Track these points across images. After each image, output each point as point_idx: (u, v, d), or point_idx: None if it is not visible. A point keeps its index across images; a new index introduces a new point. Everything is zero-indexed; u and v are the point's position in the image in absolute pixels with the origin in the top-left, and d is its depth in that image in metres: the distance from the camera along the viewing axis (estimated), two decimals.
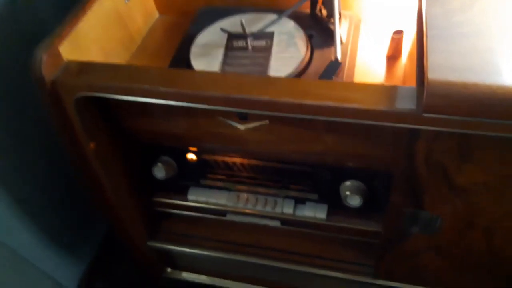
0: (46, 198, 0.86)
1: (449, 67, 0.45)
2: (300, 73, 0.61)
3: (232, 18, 0.69)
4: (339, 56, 0.58)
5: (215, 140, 0.63)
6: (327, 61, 0.61)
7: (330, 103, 0.47)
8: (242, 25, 0.63)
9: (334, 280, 0.75)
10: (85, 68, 0.54)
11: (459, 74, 0.45)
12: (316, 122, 0.54)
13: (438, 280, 0.70)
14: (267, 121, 0.56)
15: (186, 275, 0.87)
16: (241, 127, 0.57)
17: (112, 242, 0.98)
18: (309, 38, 0.65)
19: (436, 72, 0.45)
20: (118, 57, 0.66)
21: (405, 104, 0.46)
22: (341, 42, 0.61)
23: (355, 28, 0.68)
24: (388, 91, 0.48)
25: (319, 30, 0.66)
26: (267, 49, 0.63)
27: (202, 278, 0.86)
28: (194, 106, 0.51)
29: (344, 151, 0.59)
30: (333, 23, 0.61)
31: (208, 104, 0.50)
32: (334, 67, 0.56)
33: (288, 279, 0.82)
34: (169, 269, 0.87)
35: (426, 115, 0.45)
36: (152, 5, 0.76)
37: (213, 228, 0.78)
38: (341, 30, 0.63)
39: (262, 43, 0.64)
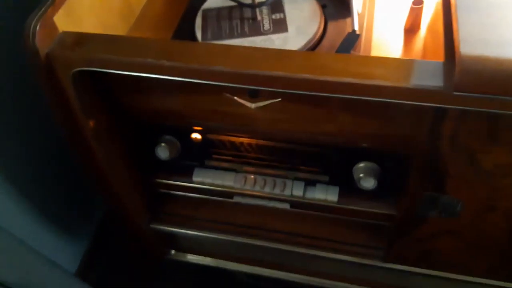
0: (40, 177, 0.82)
1: (482, 41, 0.41)
2: (313, 47, 0.57)
3: None
4: (356, 27, 0.53)
5: (221, 118, 0.59)
6: (342, 33, 0.57)
7: (350, 80, 0.43)
8: None
9: (343, 263, 0.72)
10: (82, 39, 0.50)
11: (493, 48, 0.41)
12: (331, 100, 0.50)
13: (450, 263, 0.68)
14: (279, 99, 0.52)
15: (191, 257, 0.84)
16: (251, 105, 0.54)
17: (112, 221, 0.95)
18: (322, 8, 0.60)
19: (468, 46, 0.41)
20: (116, 29, 0.62)
21: (432, 81, 0.42)
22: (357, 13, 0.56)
23: None
24: (413, 66, 0.44)
25: None
26: (278, 20, 0.59)
27: (207, 260, 0.84)
28: (201, 82, 0.47)
29: (360, 131, 0.55)
30: None
31: (216, 80, 0.46)
32: (352, 40, 0.52)
33: (295, 261, 0.80)
34: (173, 251, 0.85)
35: (456, 93, 0.41)
36: None
37: (218, 210, 0.75)
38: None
39: (273, 13, 0.60)
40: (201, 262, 0.85)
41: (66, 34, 0.51)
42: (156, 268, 0.95)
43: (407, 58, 0.58)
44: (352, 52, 0.52)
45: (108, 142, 0.62)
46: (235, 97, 0.53)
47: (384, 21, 0.64)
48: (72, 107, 0.54)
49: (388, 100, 0.43)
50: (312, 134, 0.58)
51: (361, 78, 0.43)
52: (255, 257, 0.81)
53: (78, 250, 0.94)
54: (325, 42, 0.57)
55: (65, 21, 0.52)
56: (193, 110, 0.59)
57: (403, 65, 0.44)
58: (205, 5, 0.62)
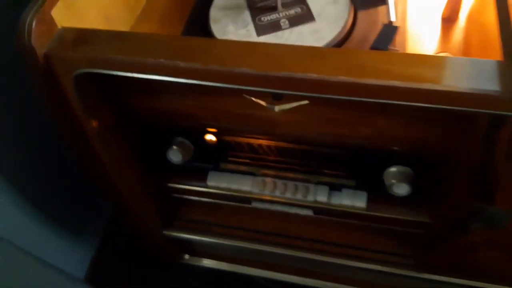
0: (44, 181, 0.77)
1: None
2: (342, 40, 0.51)
3: None
4: (393, 18, 0.47)
5: (240, 121, 0.53)
6: (374, 24, 0.51)
7: (396, 83, 0.37)
8: None
9: (370, 272, 0.67)
10: (84, 37, 0.44)
11: None
12: (369, 103, 0.44)
13: (488, 273, 0.63)
14: (307, 101, 0.46)
15: (206, 262, 0.79)
16: (274, 108, 0.48)
17: (121, 225, 0.90)
18: None
19: None
20: (121, 22, 0.56)
21: (489, 84, 0.36)
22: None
23: None
24: (467, 66, 0.38)
25: None
26: (301, 10, 0.53)
27: (223, 265, 0.79)
28: (222, 86, 0.41)
29: (399, 135, 0.49)
30: None
31: (239, 83, 0.41)
32: (389, 33, 0.46)
33: (319, 268, 0.75)
34: (186, 256, 0.80)
35: None
36: None
37: (235, 215, 0.70)
38: None
39: (294, 2, 0.53)
40: (216, 267, 0.80)
41: (66, 30, 0.45)
42: (169, 272, 0.91)
43: (448, 52, 0.52)
44: (389, 48, 0.46)
45: (115, 146, 0.57)
46: (257, 100, 0.47)
47: (418, 8, 0.57)
48: (75, 111, 0.48)
49: (442, 107, 0.37)
50: (341, 137, 0.52)
51: (408, 81, 0.37)
52: (274, 262, 0.77)
53: (86, 254, 0.89)
54: (355, 35, 0.51)
55: (64, 15, 0.46)
56: (208, 112, 0.53)
57: (456, 65, 0.38)
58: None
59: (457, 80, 0.37)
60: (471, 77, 0.37)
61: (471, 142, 0.43)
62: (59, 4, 0.45)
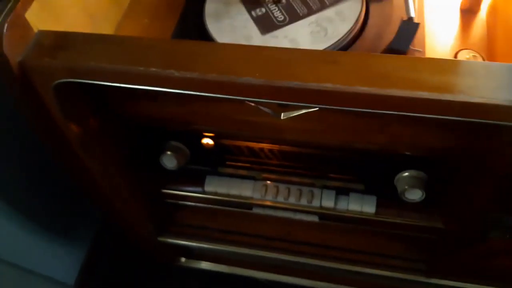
0: (30, 184, 0.72)
1: None
2: (354, 38, 0.46)
3: None
4: (413, 14, 0.42)
5: (241, 128, 0.48)
6: (389, 19, 0.46)
7: (425, 94, 0.33)
8: None
9: (379, 277, 0.64)
10: (64, 41, 0.39)
11: None
12: None
13: (504, 278, 0.60)
14: (316, 108, 0.42)
15: (204, 265, 0.76)
16: (281, 116, 0.43)
17: (112, 231, 0.86)
18: None
19: None
20: (106, 19, 0.50)
21: None
22: None
23: None
24: (504, 73, 0.33)
25: None
26: (307, 3, 0.47)
27: (222, 268, 0.75)
28: (223, 97, 0.36)
29: (413, 141, 0.45)
30: None
31: (243, 94, 0.36)
32: (409, 32, 0.41)
33: (324, 271, 0.71)
34: (183, 259, 0.76)
35: None
36: None
37: (235, 219, 0.66)
38: None
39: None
40: (214, 269, 0.76)
41: (44, 34, 0.39)
42: (165, 273, 0.87)
43: (470, 49, 0.47)
44: (410, 48, 0.41)
45: (103, 154, 0.52)
46: (260, 107, 0.43)
47: None
48: (57, 121, 0.43)
49: (474, 120, 0.33)
50: (352, 143, 0.48)
51: (438, 92, 0.33)
52: (276, 265, 0.73)
53: (77, 258, 0.85)
54: (368, 31, 0.46)
55: (41, 16, 0.40)
56: (206, 118, 0.48)
57: (492, 72, 0.33)
58: None
59: (494, 90, 0.32)
60: (508, 86, 0.32)
61: (498, 150, 0.39)
62: (34, 4, 0.39)
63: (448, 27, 0.49)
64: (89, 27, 0.47)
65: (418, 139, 0.44)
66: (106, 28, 0.50)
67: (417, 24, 0.41)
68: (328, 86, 0.34)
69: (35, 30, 0.39)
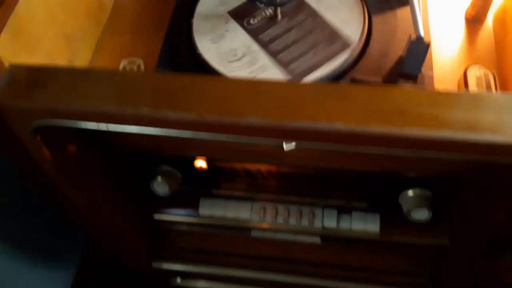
0: (12, 207, 0.68)
1: None
2: (359, 56, 0.42)
3: None
4: (422, 33, 0.39)
5: (239, 155, 0.45)
6: (393, 33, 0.43)
7: (447, 134, 0.30)
8: None
9: None
10: (41, 77, 0.34)
11: None
12: None
13: None
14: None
15: (199, 284, 0.72)
16: (283, 146, 0.40)
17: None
18: None
19: None
20: (85, 38, 0.46)
21: None
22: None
23: None
24: None
25: None
26: (306, 20, 0.44)
27: (220, 286, 0.72)
28: (225, 140, 0.32)
29: (422, 166, 0.42)
30: None
31: (247, 136, 0.32)
32: (420, 53, 0.37)
33: None
34: (179, 279, 0.73)
35: None
36: None
37: (232, 241, 0.62)
38: None
39: (296, 10, 0.44)
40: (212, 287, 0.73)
41: (17, 69, 0.35)
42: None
43: (480, 64, 0.45)
44: (423, 71, 0.38)
45: (89, 187, 0.48)
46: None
47: (437, 5, 0.49)
48: (40, 164, 0.39)
49: (500, 162, 0.30)
50: (357, 167, 0.45)
51: (461, 130, 0.30)
52: (276, 283, 0.70)
53: (65, 281, 0.81)
54: (372, 47, 0.42)
55: (12, 47, 0.36)
56: (201, 146, 0.44)
57: None
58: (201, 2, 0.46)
59: None
60: None
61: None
62: (3, 35, 0.34)
63: (454, 39, 0.47)
64: (67, 51, 0.43)
65: (426, 164, 0.42)
66: (85, 49, 0.46)
67: (427, 45, 0.37)
68: (341, 126, 0.31)
69: (6, 64, 0.35)
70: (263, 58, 0.42)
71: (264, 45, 0.43)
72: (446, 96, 0.32)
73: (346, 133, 0.31)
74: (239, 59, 0.42)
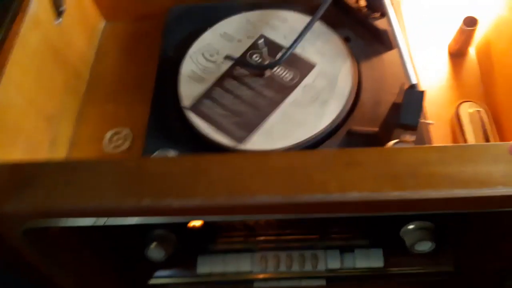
0: None
1: None
2: (352, 106, 0.41)
3: (225, 21, 0.47)
4: (415, 80, 0.38)
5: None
6: (381, 80, 0.42)
7: (460, 192, 0.29)
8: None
9: None
10: (27, 175, 0.32)
11: None
12: None
13: None
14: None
15: None
16: None
17: None
18: (346, 41, 0.45)
19: None
20: (65, 114, 0.43)
21: None
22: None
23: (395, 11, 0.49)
24: None
25: (355, 28, 0.46)
26: (293, 75, 0.43)
27: None
28: (234, 220, 0.31)
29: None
30: (389, 22, 0.41)
31: (257, 214, 0.31)
32: (416, 102, 0.37)
33: None
34: None
35: None
36: (94, 12, 0.51)
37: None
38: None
39: (282, 69, 0.43)
40: None
41: None
42: None
43: (472, 101, 0.44)
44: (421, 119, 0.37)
45: (80, 269, 0.45)
46: None
47: (419, 40, 0.49)
48: (31, 261, 0.36)
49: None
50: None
51: (474, 187, 0.29)
52: None
53: None
54: (364, 96, 0.42)
55: None
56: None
57: None
58: (186, 61, 0.44)
59: None
60: None
61: None
62: None
63: (440, 76, 0.47)
64: (48, 131, 0.41)
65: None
66: (66, 124, 0.44)
67: (422, 92, 0.37)
68: (355, 195, 0.30)
69: None
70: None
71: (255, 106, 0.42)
72: (453, 152, 0.31)
73: (360, 201, 0.30)
74: None
